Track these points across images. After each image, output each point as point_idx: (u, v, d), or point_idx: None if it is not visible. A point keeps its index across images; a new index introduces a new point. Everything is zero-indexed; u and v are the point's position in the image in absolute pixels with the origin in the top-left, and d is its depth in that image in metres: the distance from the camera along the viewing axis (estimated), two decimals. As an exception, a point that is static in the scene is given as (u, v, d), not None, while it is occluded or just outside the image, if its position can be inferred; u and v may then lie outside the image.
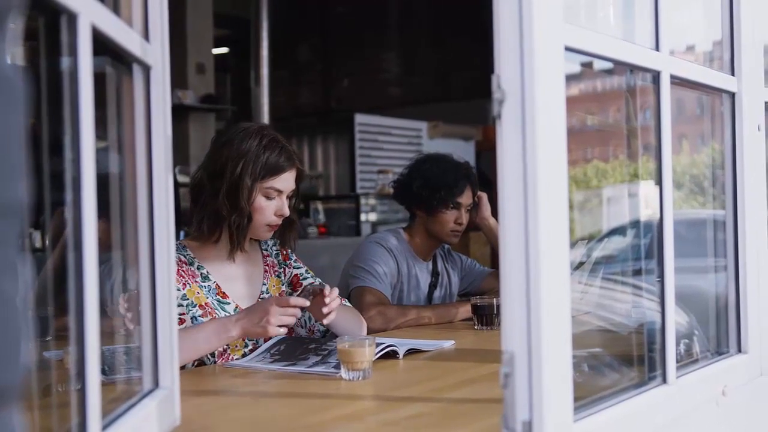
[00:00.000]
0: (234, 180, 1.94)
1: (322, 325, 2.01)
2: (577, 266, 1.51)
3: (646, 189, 1.40)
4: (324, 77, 9.64)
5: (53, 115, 0.88)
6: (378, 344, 1.79)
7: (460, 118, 7.94)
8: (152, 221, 1.19)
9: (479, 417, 1.36)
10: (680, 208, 1.47)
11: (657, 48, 1.32)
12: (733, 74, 1.57)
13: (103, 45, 0.96)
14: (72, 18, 0.87)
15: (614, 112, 1.61)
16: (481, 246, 5.64)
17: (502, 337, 1.01)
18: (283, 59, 8.15)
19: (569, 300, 1.04)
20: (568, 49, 1.06)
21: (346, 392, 1.58)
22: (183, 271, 1.95)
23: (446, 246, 2.85)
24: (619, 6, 1.57)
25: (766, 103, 1.63)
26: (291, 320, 1.81)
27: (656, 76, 1.32)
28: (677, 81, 1.37)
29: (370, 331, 2.32)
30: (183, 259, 1.98)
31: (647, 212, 1.44)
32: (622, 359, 1.45)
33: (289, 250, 2.20)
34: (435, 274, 2.79)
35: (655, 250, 1.33)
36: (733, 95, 1.57)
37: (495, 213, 2.71)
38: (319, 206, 7.08)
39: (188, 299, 1.93)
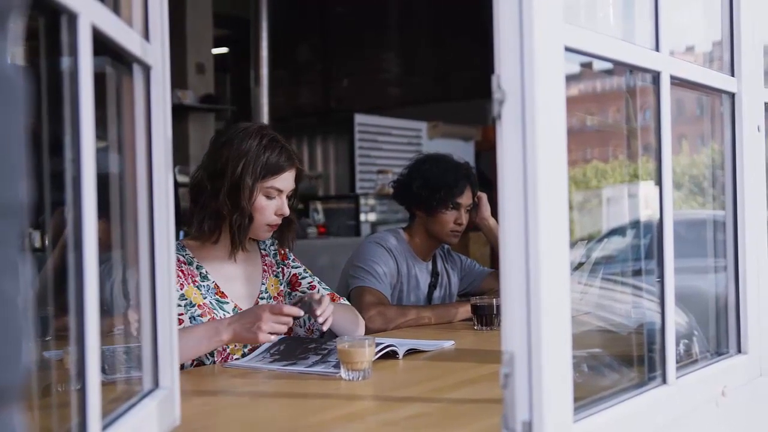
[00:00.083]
0: (235, 180, 1.94)
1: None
2: (577, 266, 1.51)
3: (646, 189, 1.40)
4: (324, 77, 9.64)
5: (53, 115, 0.88)
6: (378, 344, 1.79)
7: (459, 118, 7.94)
8: (152, 221, 1.19)
9: (479, 417, 1.36)
10: (680, 208, 1.47)
11: (657, 48, 1.32)
12: (733, 75, 1.57)
13: (103, 45, 0.96)
14: (72, 18, 0.87)
15: (614, 113, 1.61)
16: (481, 246, 5.64)
17: (502, 338, 1.01)
18: (282, 59, 8.15)
19: (569, 300, 1.04)
20: (568, 49, 1.06)
21: (346, 392, 1.58)
22: (182, 271, 1.95)
23: (446, 246, 2.85)
24: (619, 6, 1.57)
25: (766, 103, 1.63)
26: (282, 328, 1.81)
27: (656, 77, 1.32)
28: (677, 81, 1.37)
29: (369, 332, 2.33)
30: (182, 258, 1.98)
31: (647, 213, 1.44)
32: (621, 359, 1.45)
33: (287, 250, 2.20)
34: (435, 274, 2.79)
35: (655, 251, 1.33)
36: (733, 96, 1.57)
37: (495, 213, 2.72)
38: (319, 206, 7.07)
39: (187, 299, 1.93)
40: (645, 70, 1.33)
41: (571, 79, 1.09)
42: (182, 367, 1.83)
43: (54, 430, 1.01)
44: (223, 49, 8.60)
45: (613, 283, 1.66)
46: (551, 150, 1.01)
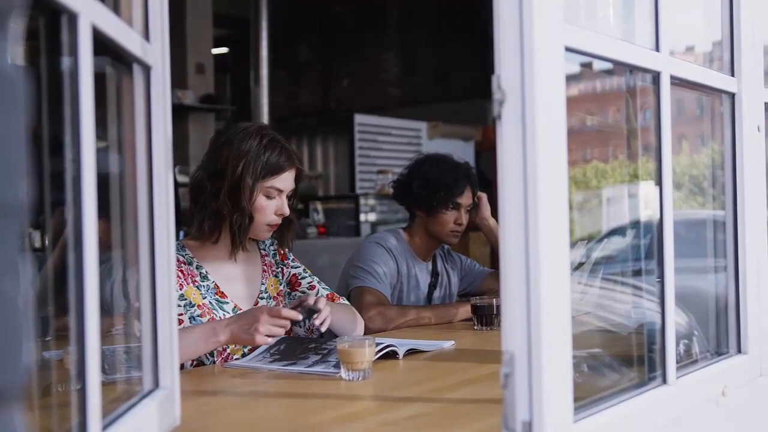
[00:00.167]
0: (235, 180, 1.94)
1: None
2: (577, 266, 1.51)
3: (646, 189, 1.40)
4: (324, 77, 9.64)
5: (53, 115, 0.88)
6: (378, 344, 1.79)
7: (459, 118, 7.93)
8: (152, 221, 1.19)
9: (479, 417, 1.36)
10: (680, 208, 1.47)
11: (657, 48, 1.32)
12: (733, 75, 1.57)
13: (103, 45, 0.96)
14: (72, 18, 0.87)
15: (614, 113, 1.61)
16: (481, 246, 5.64)
17: (502, 338, 1.01)
18: (282, 59, 8.14)
19: (569, 300, 1.04)
20: (568, 49, 1.06)
21: (346, 392, 1.58)
22: (182, 271, 1.95)
23: (446, 246, 2.85)
24: (619, 6, 1.57)
25: (766, 103, 1.63)
26: (280, 331, 1.81)
27: (656, 77, 1.32)
28: (677, 81, 1.37)
29: (369, 332, 2.33)
30: (182, 258, 1.98)
31: (647, 213, 1.44)
32: (622, 360, 1.45)
33: (287, 250, 2.20)
34: (435, 274, 2.79)
35: (655, 251, 1.33)
36: (733, 96, 1.57)
37: (495, 213, 2.71)
38: (319, 206, 7.07)
39: (186, 299, 1.93)
40: (645, 70, 1.33)
41: (571, 79, 1.09)
42: (182, 367, 1.83)
43: (54, 430, 1.01)
44: (223, 49, 8.60)
45: (613, 283, 1.66)
46: (551, 150, 1.02)
